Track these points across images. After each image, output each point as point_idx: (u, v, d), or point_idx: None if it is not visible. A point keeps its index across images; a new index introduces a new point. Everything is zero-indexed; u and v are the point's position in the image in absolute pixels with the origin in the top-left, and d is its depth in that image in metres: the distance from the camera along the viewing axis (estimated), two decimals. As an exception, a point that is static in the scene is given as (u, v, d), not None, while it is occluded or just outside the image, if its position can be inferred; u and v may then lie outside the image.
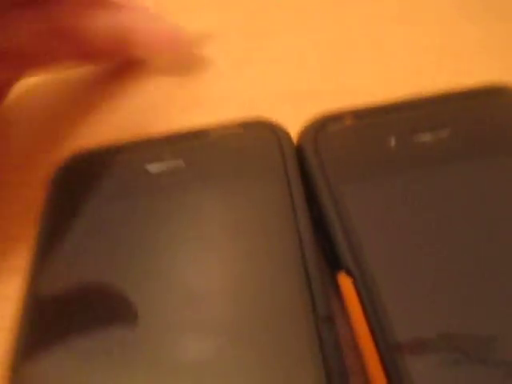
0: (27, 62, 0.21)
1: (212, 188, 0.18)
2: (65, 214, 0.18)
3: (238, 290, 0.15)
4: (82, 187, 0.18)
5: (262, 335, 0.14)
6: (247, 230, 0.16)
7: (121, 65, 0.25)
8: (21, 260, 0.17)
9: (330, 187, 0.17)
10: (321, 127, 0.18)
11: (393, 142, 0.18)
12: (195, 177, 0.18)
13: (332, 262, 0.16)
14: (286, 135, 0.19)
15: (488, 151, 0.17)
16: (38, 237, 0.17)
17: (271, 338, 0.14)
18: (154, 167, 0.18)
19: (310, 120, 0.19)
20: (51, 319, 0.15)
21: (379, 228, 0.16)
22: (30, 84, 0.25)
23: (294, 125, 0.19)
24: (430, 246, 0.15)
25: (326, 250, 0.16)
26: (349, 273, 0.15)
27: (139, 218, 0.17)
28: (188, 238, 0.16)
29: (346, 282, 0.15)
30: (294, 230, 0.16)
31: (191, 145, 0.19)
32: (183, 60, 0.25)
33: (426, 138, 0.18)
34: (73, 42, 0.21)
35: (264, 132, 0.19)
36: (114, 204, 0.18)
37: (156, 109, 0.23)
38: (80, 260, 0.16)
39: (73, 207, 0.18)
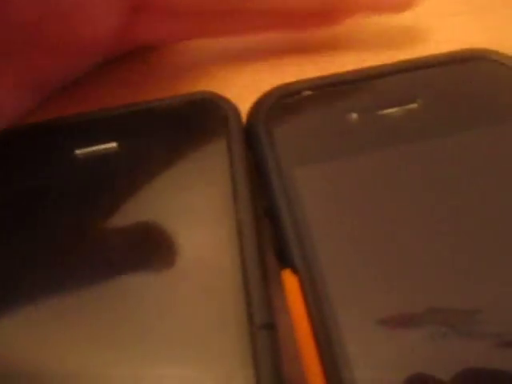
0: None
1: (146, 172, 0.15)
2: None
3: (166, 292, 0.13)
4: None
5: (191, 345, 0.12)
6: (181, 221, 0.14)
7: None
8: None
9: (282, 171, 0.14)
10: (273, 102, 0.16)
11: (354, 117, 0.15)
12: (129, 159, 0.16)
13: (280, 258, 0.13)
14: (234, 111, 0.16)
15: (463, 126, 0.15)
16: None
17: (201, 348, 0.12)
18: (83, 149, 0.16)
19: (261, 94, 0.16)
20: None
21: (336, 218, 0.13)
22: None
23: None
24: (398, 235, 0.13)
25: (275, 244, 0.14)
26: (295, 271, 0.12)
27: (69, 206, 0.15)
28: (113, 226, 0.14)
29: (290, 281, 0.12)
30: (234, 222, 0.13)
31: (128, 122, 0.17)
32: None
33: (393, 111, 0.15)
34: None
35: (209, 107, 0.17)
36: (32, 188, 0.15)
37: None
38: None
39: None
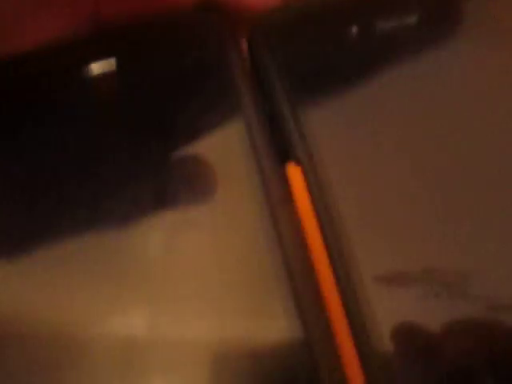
0: None
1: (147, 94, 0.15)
2: None
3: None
4: None
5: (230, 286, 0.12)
6: (187, 119, 0.14)
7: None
8: None
9: (285, 82, 0.15)
10: (273, 22, 0.16)
11: (354, 33, 0.16)
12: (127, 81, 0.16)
13: (282, 154, 0.14)
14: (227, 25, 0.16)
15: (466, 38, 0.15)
16: None
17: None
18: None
19: (261, 13, 0.17)
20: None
21: (337, 126, 0.14)
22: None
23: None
24: (401, 165, 0.13)
25: (277, 143, 0.14)
26: (298, 162, 0.13)
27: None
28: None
29: (293, 172, 0.13)
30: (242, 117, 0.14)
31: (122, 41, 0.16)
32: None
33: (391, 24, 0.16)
34: None
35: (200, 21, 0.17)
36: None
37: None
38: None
39: None
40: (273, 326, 0.11)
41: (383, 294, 0.12)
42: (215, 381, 0.11)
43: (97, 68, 0.16)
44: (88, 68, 0.16)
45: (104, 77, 0.16)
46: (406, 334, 0.11)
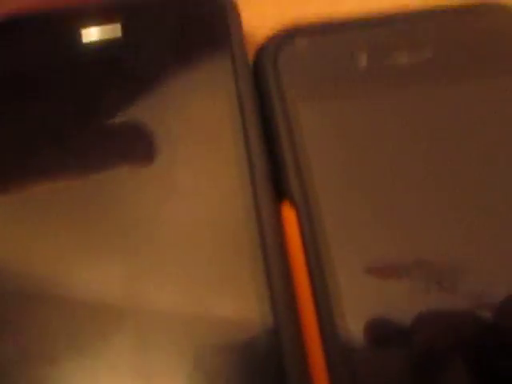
0: None
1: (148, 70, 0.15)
2: None
3: (180, 214, 0.13)
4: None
5: (205, 261, 0.12)
6: (186, 133, 0.14)
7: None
8: None
9: (286, 105, 0.15)
10: (282, 43, 0.16)
11: (363, 61, 0.16)
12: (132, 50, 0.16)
13: (279, 189, 0.14)
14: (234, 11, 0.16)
15: (471, 75, 0.15)
16: None
17: (215, 264, 0.12)
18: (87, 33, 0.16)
19: (271, 32, 0.16)
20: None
21: (335, 156, 0.14)
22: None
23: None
24: (393, 176, 0.14)
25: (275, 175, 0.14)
26: (293, 203, 0.13)
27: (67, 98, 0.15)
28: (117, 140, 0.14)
29: (287, 214, 0.13)
30: (242, 142, 0.14)
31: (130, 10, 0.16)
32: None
33: (402, 58, 0.16)
34: None
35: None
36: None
37: None
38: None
39: None
40: (242, 306, 0.12)
41: (356, 284, 0.12)
42: (178, 352, 0.11)
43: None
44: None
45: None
46: (374, 325, 0.12)
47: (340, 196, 0.13)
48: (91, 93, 0.15)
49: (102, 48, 0.16)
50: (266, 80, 0.15)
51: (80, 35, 0.16)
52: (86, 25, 0.16)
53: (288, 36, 0.16)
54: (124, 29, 0.16)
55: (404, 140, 0.14)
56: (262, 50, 0.16)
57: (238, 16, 0.16)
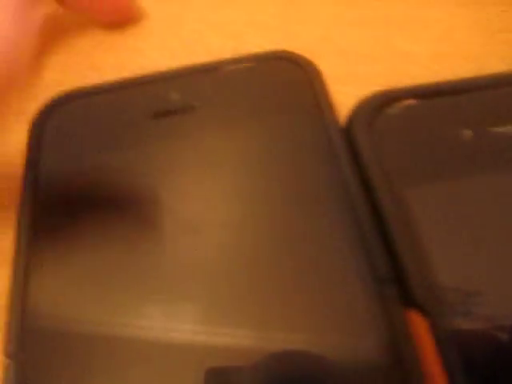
0: None
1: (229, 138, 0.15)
2: (53, 163, 0.16)
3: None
4: (72, 133, 0.16)
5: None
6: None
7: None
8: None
9: (392, 187, 0.13)
10: (378, 108, 0.15)
11: (465, 134, 0.14)
12: (208, 120, 0.16)
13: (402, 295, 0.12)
14: (315, 70, 0.16)
15: None
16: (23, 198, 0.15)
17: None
18: (158, 109, 0.16)
19: (363, 98, 0.15)
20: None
21: (454, 249, 0.13)
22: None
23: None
24: None
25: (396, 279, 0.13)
26: (424, 314, 0.12)
27: (146, 169, 0.15)
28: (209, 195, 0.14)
29: (419, 325, 0.12)
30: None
31: (200, 81, 0.16)
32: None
33: (507, 129, 0.14)
34: None
35: (286, 66, 0.16)
36: (110, 153, 0.15)
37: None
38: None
39: (60, 156, 0.16)
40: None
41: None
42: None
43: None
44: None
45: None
46: None
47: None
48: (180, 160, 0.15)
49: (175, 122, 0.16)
50: (362, 148, 0.14)
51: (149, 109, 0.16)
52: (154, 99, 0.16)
53: (381, 101, 0.15)
54: (209, 97, 0.16)
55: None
56: (355, 115, 0.15)
57: (323, 83, 0.16)
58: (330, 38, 0.18)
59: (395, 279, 0.12)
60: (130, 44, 0.19)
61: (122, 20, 0.19)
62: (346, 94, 0.15)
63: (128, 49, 0.19)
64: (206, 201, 0.14)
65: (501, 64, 0.16)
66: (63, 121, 0.16)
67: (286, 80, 0.16)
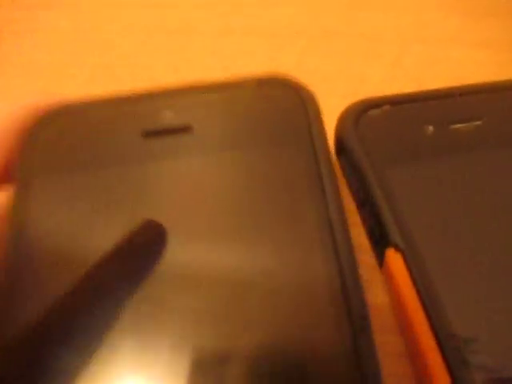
0: None
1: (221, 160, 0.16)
2: (43, 177, 0.16)
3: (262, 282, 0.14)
4: (64, 146, 0.16)
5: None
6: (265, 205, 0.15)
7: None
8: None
9: (376, 170, 0.17)
10: (361, 112, 0.19)
11: (430, 129, 0.19)
12: (202, 142, 0.16)
13: (379, 240, 0.16)
14: (310, 96, 0.17)
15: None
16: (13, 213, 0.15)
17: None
18: (152, 128, 0.16)
19: (350, 104, 0.19)
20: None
21: (426, 208, 0.17)
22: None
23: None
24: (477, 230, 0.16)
25: (372, 228, 0.17)
26: (398, 249, 0.15)
27: (133, 188, 0.16)
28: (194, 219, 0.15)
29: (394, 259, 0.15)
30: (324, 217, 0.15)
31: (197, 103, 0.17)
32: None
33: (462, 127, 0.19)
34: None
35: (283, 91, 0.17)
36: (100, 171, 0.16)
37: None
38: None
39: (52, 168, 0.16)
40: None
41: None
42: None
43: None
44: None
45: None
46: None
47: (438, 238, 0.16)
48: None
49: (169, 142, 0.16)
50: (352, 144, 0.18)
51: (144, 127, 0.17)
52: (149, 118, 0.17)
53: (365, 106, 0.19)
54: (201, 123, 0.17)
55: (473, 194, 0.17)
56: (344, 117, 0.19)
57: (318, 110, 0.17)
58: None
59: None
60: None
61: None
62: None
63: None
64: (191, 226, 0.15)
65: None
66: (51, 137, 0.17)
67: (280, 106, 0.17)
